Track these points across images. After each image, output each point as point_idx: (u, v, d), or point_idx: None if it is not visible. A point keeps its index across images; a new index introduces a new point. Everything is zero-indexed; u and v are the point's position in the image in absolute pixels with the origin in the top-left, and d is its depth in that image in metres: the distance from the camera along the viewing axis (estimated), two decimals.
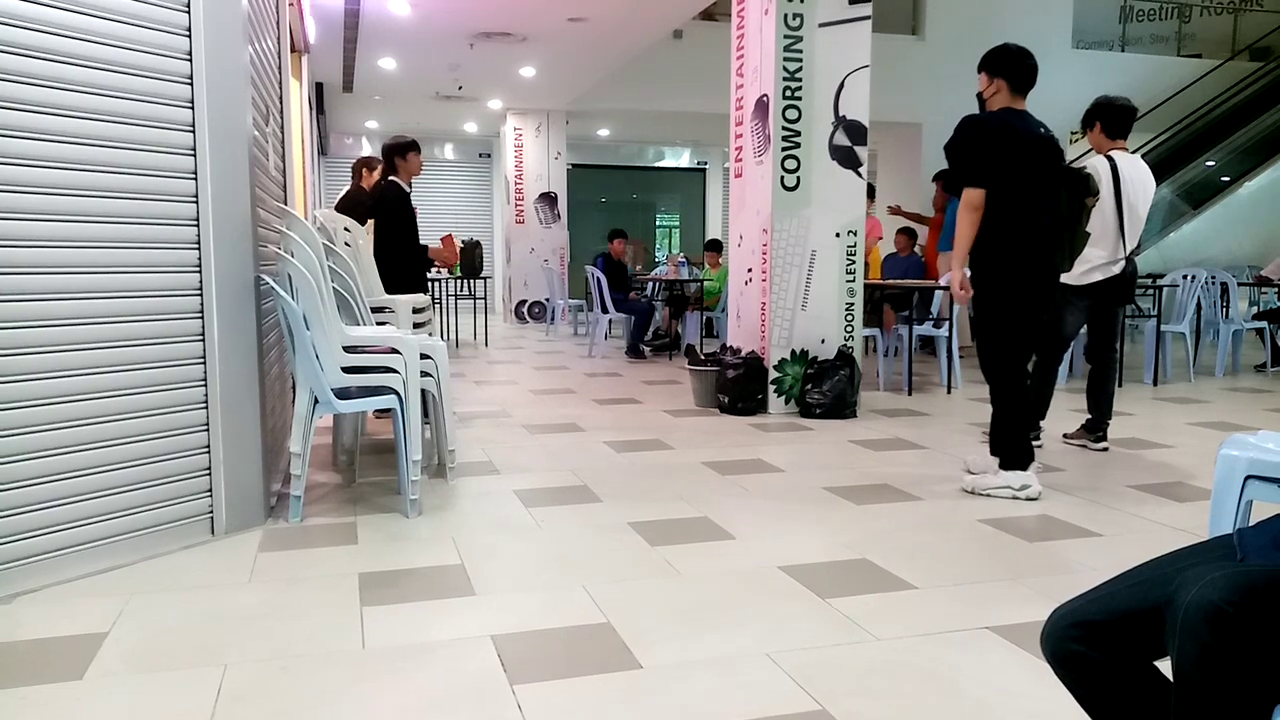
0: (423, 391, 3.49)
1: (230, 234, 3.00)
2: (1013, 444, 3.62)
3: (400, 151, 5.28)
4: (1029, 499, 3.56)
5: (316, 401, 3.25)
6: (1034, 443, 3.94)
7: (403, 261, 5.24)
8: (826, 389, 5.29)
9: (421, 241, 5.44)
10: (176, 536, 2.93)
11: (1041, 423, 4.63)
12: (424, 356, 3.49)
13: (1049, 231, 3.54)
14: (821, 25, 5.27)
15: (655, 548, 2.98)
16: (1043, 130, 3.59)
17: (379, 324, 4.22)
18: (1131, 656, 1.24)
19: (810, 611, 2.45)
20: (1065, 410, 5.65)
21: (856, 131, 5.40)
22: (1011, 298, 3.55)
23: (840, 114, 5.37)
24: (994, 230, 3.52)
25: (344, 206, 6.43)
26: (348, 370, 3.28)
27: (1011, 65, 3.59)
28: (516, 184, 12.84)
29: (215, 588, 2.63)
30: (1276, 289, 8.38)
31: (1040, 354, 4.54)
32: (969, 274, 3.62)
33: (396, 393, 3.28)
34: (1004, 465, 3.65)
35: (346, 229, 4.29)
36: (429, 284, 5.96)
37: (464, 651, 2.20)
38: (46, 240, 2.56)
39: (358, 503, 3.52)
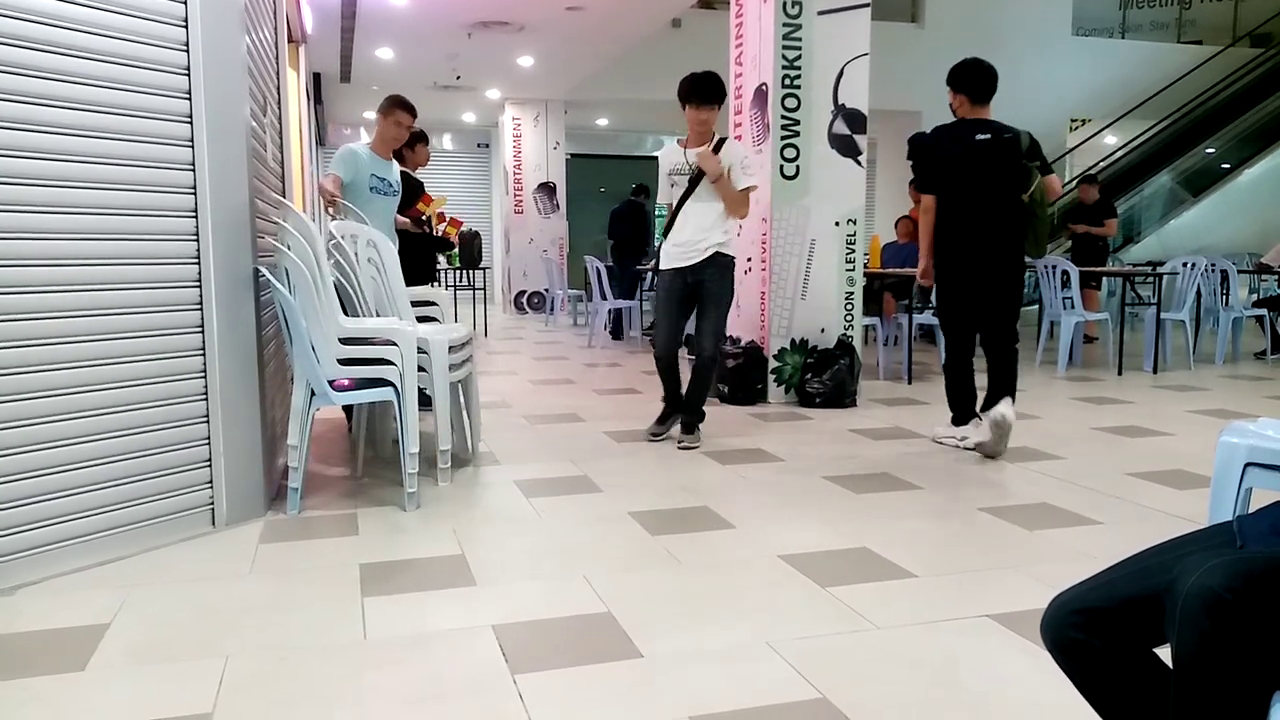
0: (424, 385, 3.48)
1: (229, 226, 2.99)
2: (950, 400, 4.33)
3: (411, 142, 5.31)
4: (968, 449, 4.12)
5: (314, 394, 3.25)
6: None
7: (419, 250, 5.25)
8: (826, 378, 5.29)
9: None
10: (177, 528, 2.93)
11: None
12: (422, 352, 3.46)
13: (977, 227, 4.11)
14: (821, 13, 5.24)
15: (656, 537, 2.99)
16: (980, 138, 4.06)
17: (425, 319, 4.18)
18: (1131, 644, 1.24)
19: (810, 600, 2.46)
20: (1065, 398, 5.65)
21: (856, 120, 5.38)
22: (940, 285, 4.31)
23: (839, 102, 5.35)
24: (938, 230, 4.23)
25: None
26: (344, 362, 3.27)
27: (969, 79, 4.10)
28: (515, 174, 12.82)
29: (216, 579, 2.63)
30: (1277, 276, 8.38)
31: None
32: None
33: (393, 384, 3.28)
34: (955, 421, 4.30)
35: (370, 243, 4.11)
36: (437, 274, 6.00)
37: (465, 642, 2.20)
38: (46, 231, 2.56)
39: (359, 494, 3.52)
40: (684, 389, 4.40)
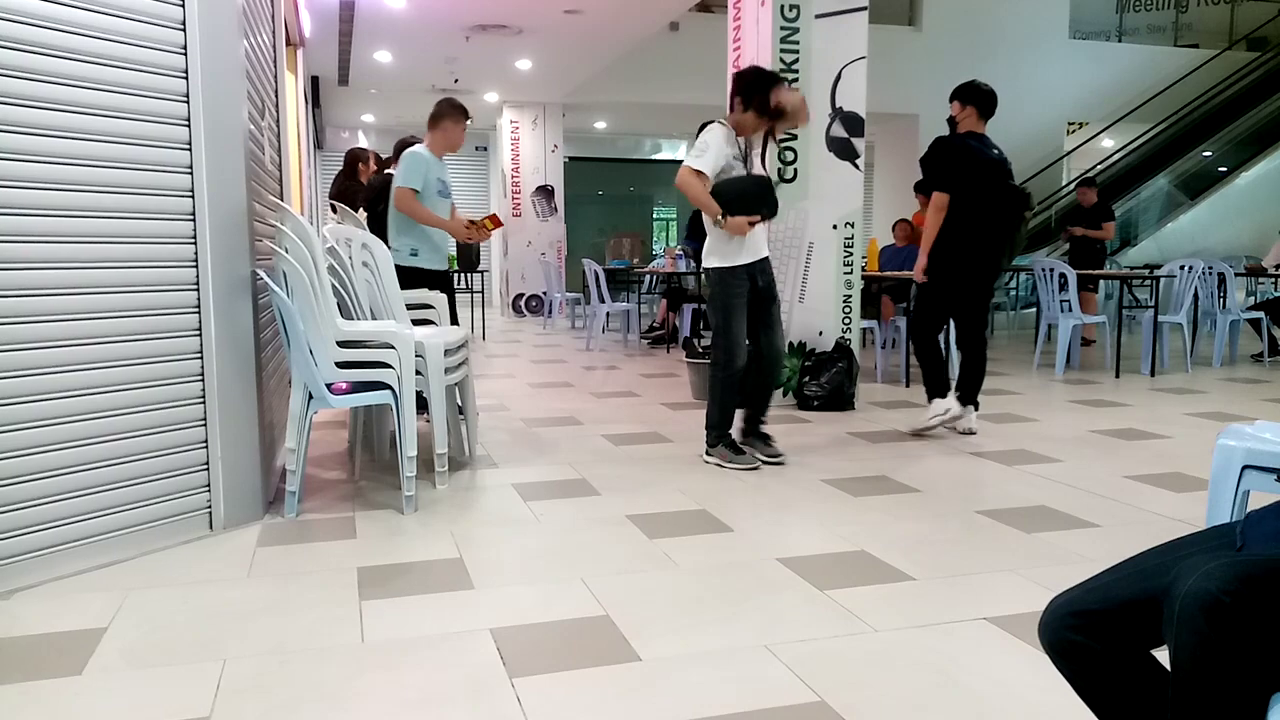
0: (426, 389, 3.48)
1: (227, 229, 2.99)
2: (926, 373, 4.69)
3: (411, 142, 5.33)
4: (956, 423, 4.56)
5: (311, 397, 3.24)
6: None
7: None
8: (824, 381, 5.29)
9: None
10: (175, 532, 2.92)
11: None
12: (417, 355, 3.47)
13: (986, 233, 4.48)
14: (818, 16, 5.25)
15: (653, 540, 2.99)
16: (995, 152, 4.53)
17: (423, 322, 4.19)
18: (1129, 646, 1.24)
19: (808, 603, 2.46)
20: (1062, 401, 5.66)
21: (853, 123, 5.39)
22: (950, 279, 4.57)
23: (837, 105, 5.36)
24: (947, 228, 4.50)
25: (339, 196, 6.43)
26: (342, 365, 3.27)
27: (980, 97, 4.54)
28: (513, 177, 12.82)
29: (214, 582, 2.63)
30: (1275, 278, 8.38)
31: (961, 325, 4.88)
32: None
33: (391, 388, 3.28)
34: (930, 395, 4.64)
35: (365, 246, 4.10)
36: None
37: (463, 645, 2.20)
38: (42, 236, 2.55)
39: (357, 497, 3.52)
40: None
